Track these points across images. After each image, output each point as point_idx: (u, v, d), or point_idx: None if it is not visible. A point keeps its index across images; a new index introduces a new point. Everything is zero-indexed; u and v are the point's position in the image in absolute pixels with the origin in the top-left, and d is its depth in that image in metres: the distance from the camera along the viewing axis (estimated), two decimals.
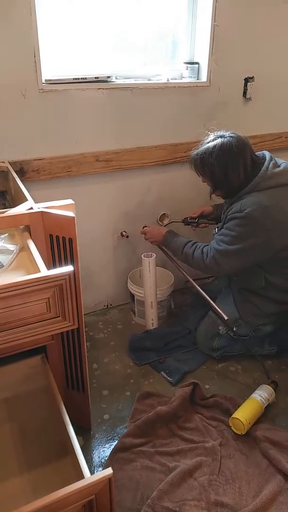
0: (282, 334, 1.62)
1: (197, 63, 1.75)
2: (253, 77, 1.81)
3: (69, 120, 1.50)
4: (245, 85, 1.82)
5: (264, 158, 1.43)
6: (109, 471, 0.78)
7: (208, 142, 1.41)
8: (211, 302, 1.51)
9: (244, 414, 1.31)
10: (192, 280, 1.58)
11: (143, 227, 1.73)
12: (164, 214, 1.88)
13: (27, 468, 0.97)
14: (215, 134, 1.43)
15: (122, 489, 1.15)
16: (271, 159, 1.42)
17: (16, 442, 1.02)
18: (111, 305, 1.96)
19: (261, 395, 1.38)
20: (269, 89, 1.88)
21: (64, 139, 1.51)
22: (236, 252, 1.40)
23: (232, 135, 1.39)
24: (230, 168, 1.36)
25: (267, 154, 1.45)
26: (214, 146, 1.37)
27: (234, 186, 1.40)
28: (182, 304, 1.96)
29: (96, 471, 1.19)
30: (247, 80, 1.81)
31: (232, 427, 1.33)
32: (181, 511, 1.10)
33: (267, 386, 1.43)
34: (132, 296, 1.82)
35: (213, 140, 1.40)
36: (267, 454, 1.24)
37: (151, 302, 1.71)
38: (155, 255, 1.66)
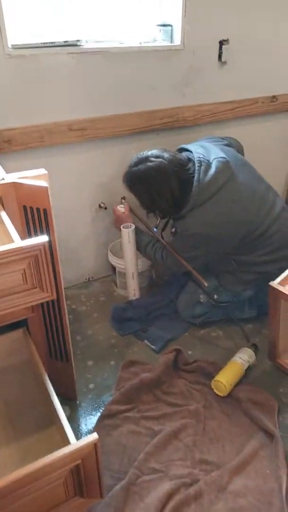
0: (262, 297, 1.65)
1: (170, 25, 1.69)
2: (227, 39, 1.76)
3: (39, 88, 1.44)
4: (220, 48, 1.77)
5: (192, 168, 1.38)
6: (94, 436, 0.80)
7: (132, 166, 1.42)
8: (191, 269, 1.52)
9: (225, 376, 1.35)
10: (171, 249, 1.58)
11: (122, 198, 1.71)
12: (123, 197, 1.84)
13: (14, 439, 0.98)
14: (139, 157, 1.42)
15: (109, 454, 1.18)
16: (200, 165, 1.37)
17: (2, 414, 1.03)
18: (92, 278, 1.95)
19: (242, 357, 1.42)
20: (245, 53, 1.84)
21: (35, 107, 1.46)
22: (191, 258, 1.48)
23: (152, 160, 1.37)
24: (155, 195, 1.39)
25: (194, 156, 1.40)
26: (136, 175, 1.39)
27: (166, 209, 1.43)
28: (163, 274, 1.96)
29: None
30: (221, 42, 1.76)
31: (215, 390, 1.36)
32: (167, 470, 1.14)
33: (248, 349, 1.47)
34: (114, 268, 1.81)
35: (135, 165, 1.40)
36: (249, 414, 1.29)
37: (132, 273, 1.71)
38: (134, 226, 1.65)
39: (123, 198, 1.77)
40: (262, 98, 1.99)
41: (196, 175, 1.36)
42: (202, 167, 1.37)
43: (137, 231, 1.65)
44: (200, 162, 1.38)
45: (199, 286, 1.59)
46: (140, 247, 1.64)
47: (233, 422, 1.28)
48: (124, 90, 1.62)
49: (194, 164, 1.39)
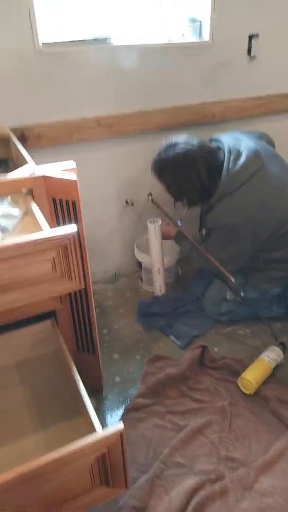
0: None
1: (199, 21, 1.68)
2: (257, 34, 1.74)
3: (68, 84, 1.46)
4: (250, 42, 1.75)
5: (222, 156, 1.36)
6: (120, 425, 0.80)
7: (161, 154, 1.41)
8: (218, 265, 1.50)
9: (253, 374, 1.33)
10: (198, 245, 1.57)
11: (149, 194, 1.72)
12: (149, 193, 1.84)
13: (41, 428, 1.00)
14: (167, 143, 1.41)
15: (134, 447, 1.18)
16: (230, 153, 1.36)
17: (29, 404, 1.05)
18: (119, 273, 1.96)
19: (269, 355, 1.40)
20: (275, 47, 1.80)
21: (64, 103, 1.48)
22: (228, 259, 1.44)
23: (181, 146, 1.36)
24: (184, 182, 1.37)
25: (224, 145, 1.39)
26: (165, 162, 1.38)
27: (194, 197, 1.40)
28: (189, 271, 1.95)
29: None
30: (251, 37, 1.74)
31: (241, 387, 1.35)
32: (192, 465, 1.13)
33: (275, 347, 1.44)
34: (140, 264, 1.82)
35: (164, 152, 1.39)
36: (276, 413, 1.27)
37: (158, 268, 1.71)
38: (160, 221, 1.65)
39: (150, 194, 1.78)
40: None
41: (225, 164, 1.34)
42: (232, 156, 1.35)
43: (180, 238, 1.63)
44: (230, 151, 1.36)
45: (226, 283, 1.57)
46: (184, 252, 1.64)
47: (259, 421, 1.26)
48: (151, 86, 1.63)
49: (224, 152, 1.37)
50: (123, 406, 1.31)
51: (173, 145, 1.38)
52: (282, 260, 1.49)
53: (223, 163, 1.35)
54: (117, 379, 1.41)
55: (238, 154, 1.35)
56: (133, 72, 1.56)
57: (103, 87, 1.53)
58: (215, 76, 1.73)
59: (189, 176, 1.35)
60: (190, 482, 1.08)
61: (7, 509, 0.76)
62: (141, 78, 1.59)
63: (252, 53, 1.77)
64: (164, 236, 1.68)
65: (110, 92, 1.55)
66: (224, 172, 1.34)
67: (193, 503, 1.04)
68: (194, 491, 1.06)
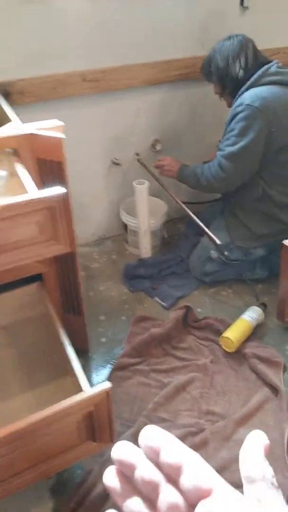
0: (273, 259, 1.64)
1: None
2: None
3: (52, 34, 1.38)
4: None
5: (270, 60, 1.47)
6: (107, 384, 0.83)
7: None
8: (204, 227, 1.52)
9: (234, 333, 1.38)
10: (185, 207, 1.57)
11: (136, 154, 1.68)
12: (156, 139, 1.81)
13: (29, 388, 1.02)
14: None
15: (120, 403, 1.23)
16: (278, 63, 1.43)
17: (17, 365, 1.07)
18: (104, 236, 1.95)
19: (250, 315, 1.44)
20: None
21: (48, 56, 1.41)
22: (239, 152, 1.42)
23: (237, 34, 1.46)
24: (231, 58, 1.43)
25: (275, 60, 1.45)
26: (219, 43, 1.47)
27: (237, 79, 1.44)
28: (175, 234, 1.96)
29: None
30: None
31: (223, 346, 1.40)
32: (175, 420, 1.19)
33: (256, 307, 1.49)
34: (125, 226, 1.81)
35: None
36: (255, 369, 1.32)
37: (144, 231, 1.71)
38: (147, 182, 1.63)
39: (137, 154, 1.74)
40: (284, 48, 1.88)
41: (270, 64, 1.43)
42: (279, 64, 1.44)
43: (184, 173, 1.60)
44: (278, 62, 1.45)
45: (212, 242, 1.59)
46: (190, 176, 1.58)
47: (239, 377, 1.32)
48: (139, 39, 1.55)
49: (272, 60, 1.46)
50: (109, 365, 1.34)
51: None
52: (273, 203, 1.50)
53: (268, 62, 1.45)
54: (103, 339, 1.44)
55: (285, 68, 1.45)
56: (120, 22, 1.48)
57: (88, 39, 1.45)
58: (206, 27, 1.66)
59: (238, 53, 1.43)
60: (172, 434, 1.13)
61: None
62: (127, 30, 1.51)
63: (245, 3, 1.69)
64: (165, 173, 1.65)
65: (96, 45, 1.47)
66: (266, 66, 1.43)
67: None
68: None
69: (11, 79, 1.36)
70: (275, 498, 0.24)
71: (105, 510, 0.99)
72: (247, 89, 1.42)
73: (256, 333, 1.45)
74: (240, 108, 1.39)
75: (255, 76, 1.41)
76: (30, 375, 1.05)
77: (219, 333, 1.42)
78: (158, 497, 0.25)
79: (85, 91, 1.52)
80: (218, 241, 1.50)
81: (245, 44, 1.43)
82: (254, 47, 1.45)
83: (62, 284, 1.21)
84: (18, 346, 1.11)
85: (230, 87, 1.48)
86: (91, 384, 1.28)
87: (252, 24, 1.74)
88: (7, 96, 1.36)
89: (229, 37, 1.46)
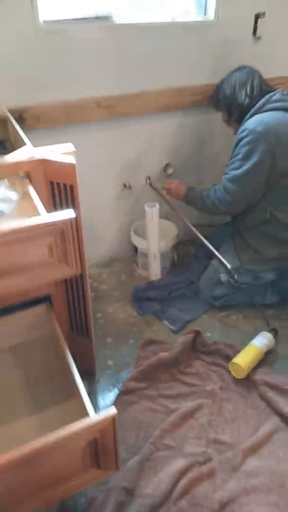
0: (283, 284, 1.63)
1: None
2: (264, 13, 1.69)
3: (69, 63, 1.42)
4: (256, 22, 1.70)
5: (275, 89, 1.50)
6: (113, 410, 0.82)
7: None
8: (214, 250, 1.52)
9: (243, 359, 1.35)
10: (195, 230, 1.57)
11: (147, 178, 1.70)
12: (168, 163, 1.83)
13: (35, 410, 1.01)
14: None
15: (125, 429, 1.21)
16: (282, 91, 1.47)
17: (24, 386, 1.06)
18: (114, 257, 1.96)
19: (261, 341, 1.42)
20: (281, 27, 1.76)
21: (64, 83, 1.45)
22: (244, 175, 1.45)
23: (245, 65, 1.54)
24: (238, 86, 1.49)
25: (280, 89, 1.49)
26: (228, 74, 1.55)
27: (243, 107, 1.49)
28: (185, 256, 1.96)
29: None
30: (257, 16, 1.69)
31: (232, 372, 1.37)
32: (181, 448, 1.16)
33: (267, 333, 1.46)
34: (135, 248, 1.82)
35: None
36: (265, 397, 1.29)
37: (154, 253, 1.71)
38: (158, 205, 1.64)
39: (148, 177, 1.77)
40: None
41: (275, 92, 1.48)
42: (284, 93, 1.49)
43: (192, 188, 1.65)
44: (283, 91, 1.50)
45: (222, 265, 1.58)
46: (196, 198, 1.62)
47: (249, 404, 1.29)
48: (153, 66, 1.59)
49: (276, 88, 1.51)
50: (115, 389, 1.33)
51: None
52: (281, 225, 1.51)
53: (272, 90, 1.50)
54: (110, 362, 1.43)
55: (284, 95, 1.50)
56: (134, 51, 1.52)
57: (104, 67, 1.49)
58: (219, 56, 1.69)
59: (245, 81, 1.50)
60: (178, 464, 1.10)
61: None
62: (142, 58, 1.55)
63: (258, 34, 1.72)
64: (173, 196, 1.70)
65: (111, 72, 1.52)
66: (270, 94, 1.48)
67: (181, 483, 1.07)
68: (183, 472, 1.09)
69: (26, 104, 1.40)
70: None
71: None
72: (251, 116, 1.47)
73: (266, 359, 1.42)
74: (244, 134, 1.43)
75: (259, 103, 1.46)
76: (35, 397, 1.04)
77: (228, 358, 1.40)
78: None
79: (99, 116, 1.55)
80: (228, 265, 1.49)
81: (252, 74, 1.50)
82: (260, 77, 1.52)
83: (71, 306, 1.21)
84: (24, 367, 1.11)
85: (236, 115, 1.53)
86: (97, 407, 1.27)
87: (264, 53, 1.78)
88: (22, 121, 1.40)
89: (238, 68, 1.54)
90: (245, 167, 1.44)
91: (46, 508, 1.00)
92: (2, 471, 0.73)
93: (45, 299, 1.17)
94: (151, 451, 1.14)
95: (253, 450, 1.16)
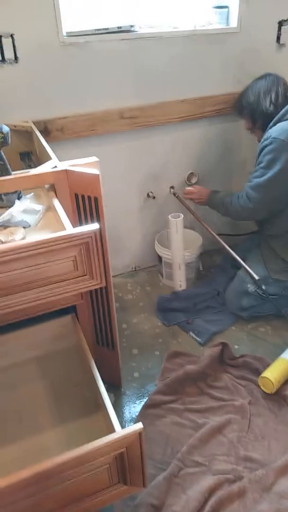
0: None
1: (226, 6, 1.62)
2: None
3: (92, 75, 1.44)
4: (279, 29, 1.68)
5: None
6: (139, 425, 0.80)
7: None
8: (240, 260, 1.48)
9: (274, 373, 1.31)
10: (220, 239, 1.55)
11: (171, 187, 1.69)
12: (192, 173, 1.82)
13: (60, 423, 1.00)
14: None
15: (152, 443, 1.18)
16: None
17: (49, 398, 1.05)
18: (139, 267, 1.95)
19: None
20: None
21: (88, 95, 1.47)
22: (266, 184, 1.43)
23: (271, 73, 1.53)
24: (262, 93, 1.48)
25: None
26: (253, 81, 1.54)
27: (267, 114, 1.47)
28: (210, 266, 1.93)
29: (127, 426, 1.23)
30: (281, 23, 1.67)
31: (262, 386, 1.32)
32: (210, 465, 1.12)
33: None
34: (160, 258, 1.80)
35: None
36: None
37: (179, 263, 1.69)
38: (182, 216, 1.62)
39: (172, 187, 1.76)
40: None
41: None
42: None
43: (215, 191, 1.65)
44: None
45: (249, 276, 1.55)
46: (219, 204, 1.62)
47: (280, 421, 1.24)
48: (176, 76, 1.59)
49: None
50: (141, 402, 1.30)
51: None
52: None
53: None
54: (136, 374, 1.41)
55: None
56: (157, 61, 1.53)
57: (127, 77, 1.50)
58: (242, 65, 1.68)
59: (269, 89, 1.48)
60: (208, 481, 1.07)
61: (24, 505, 0.76)
62: (166, 68, 1.55)
63: (281, 41, 1.71)
64: (197, 203, 1.70)
65: (134, 83, 1.52)
66: None
67: (210, 502, 1.03)
68: (212, 490, 1.05)
69: (51, 117, 1.43)
70: None
71: None
72: (274, 124, 1.45)
73: None
74: (267, 142, 1.42)
75: (283, 110, 1.44)
76: (60, 409, 1.03)
77: (257, 372, 1.36)
78: None
79: (122, 127, 1.56)
80: (255, 276, 1.46)
81: (277, 82, 1.49)
82: (285, 85, 1.50)
83: (96, 317, 1.20)
84: (50, 378, 1.10)
85: (260, 122, 1.52)
86: (123, 420, 1.25)
87: None
88: (47, 132, 1.42)
89: (263, 76, 1.53)
90: (267, 176, 1.43)
91: None
92: (27, 485, 0.72)
93: (70, 310, 1.17)
94: (179, 468, 1.11)
95: (286, 469, 1.10)
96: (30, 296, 0.76)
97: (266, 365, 1.36)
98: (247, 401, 1.28)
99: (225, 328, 1.58)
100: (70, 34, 1.37)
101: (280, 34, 1.69)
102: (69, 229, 0.77)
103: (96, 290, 1.14)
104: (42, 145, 1.13)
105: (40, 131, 1.32)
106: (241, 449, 1.16)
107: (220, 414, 1.25)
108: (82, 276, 0.78)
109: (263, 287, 1.53)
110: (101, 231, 0.94)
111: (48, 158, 1.04)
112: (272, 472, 1.09)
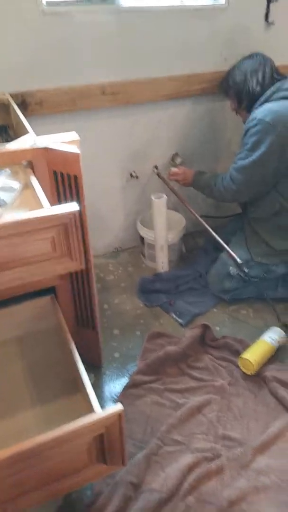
0: None
1: None
2: None
3: (73, 47, 1.38)
4: (268, 6, 1.64)
5: (286, 77, 1.44)
6: (119, 406, 0.80)
7: None
8: (222, 243, 1.48)
9: (253, 354, 1.32)
10: (203, 222, 1.54)
11: (154, 167, 1.66)
12: (176, 153, 1.79)
13: (39, 403, 0.99)
14: None
15: (132, 423, 1.19)
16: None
17: (28, 378, 1.05)
18: (121, 248, 1.93)
19: (271, 336, 1.39)
20: None
21: (68, 68, 1.41)
22: (250, 166, 1.42)
23: (258, 52, 1.50)
24: (249, 73, 1.46)
25: None
26: (240, 60, 1.51)
27: (253, 94, 1.46)
28: (193, 248, 1.92)
29: (107, 405, 1.23)
30: (269, 1, 1.63)
31: (241, 367, 1.34)
32: (189, 443, 1.14)
33: (278, 328, 1.43)
34: (142, 239, 1.79)
35: None
36: (276, 394, 1.26)
37: (162, 245, 1.68)
38: (165, 196, 1.60)
39: (156, 167, 1.73)
40: None
41: (286, 80, 1.45)
42: None
43: (201, 173, 1.63)
44: None
45: (232, 259, 1.55)
46: (204, 185, 1.61)
47: (258, 401, 1.26)
48: (161, 52, 1.54)
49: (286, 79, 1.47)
50: (122, 382, 1.31)
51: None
52: None
53: (283, 79, 1.47)
54: (117, 354, 1.41)
55: None
56: (141, 36, 1.48)
57: (110, 52, 1.45)
58: (229, 42, 1.64)
59: (256, 69, 1.46)
60: (186, 459, 1.08)
61: (5, 484, 0.76)
62: (149, 43, 1.50)
63: (270, 19, 1.67)
64: (181, 182, 1.68)
65: (117, 57, 1.47)
66: (280, 82, 1.44)
67: (189, 480, 1.04)
68: (190, 468, 1.07)
69: (30, 89, 1.37)
70: None
71: None
72: (260, 105, 1.43)
73: (277, 355, 1.38)
74: (252, 123, 1.40)
75: (269, 91, 1.42)
76: (40, 390, 1.02)
77: (238, 353, 1.37)
78: None
79: (104, 104, 1.51)
80: (237, 258, 1.46)
81: (264, 62, 1.46)
82: (272, 65, 1.48)
83: (76, 298, 1.19)
84: (29, 359, 1.09)
85: (245, 102, 1.49)
86: (103, 399, 1.26)
87: (276, 39, 1.72)
88: (25, 106, 1.37)
89: (250, 55, 1.50)
90: (251, 158, 1.41)
91: (51, 500, 0.99)
92: (8, 465, 0.71)
93: (49, 291, 1.15)
94: (158, 446, 1.12)
95: (264, 448, 1.13)
96: (7, 277, 0.74)
97: (247, 347, 1.38)
98: (227, 382, 1.30)
99: (207, 310, 1.59)
100: (51, 4, 1.30)
101: (269, 12, 1.65)
102: (47, 209, 0.74)
103: (76, 271, 1.12)
104: (20, 119, 1.08)
105: (18, 104, 1.26)
106: (220, 428, 1.18)
107: (200, 394, 1.26)
108: (61, 257, 0.76)
109: (245, 270, 1.53)
110: (81, 212, 0.92)
111: (25, 133, 1.00)
112: (250, 450, 1.11)
